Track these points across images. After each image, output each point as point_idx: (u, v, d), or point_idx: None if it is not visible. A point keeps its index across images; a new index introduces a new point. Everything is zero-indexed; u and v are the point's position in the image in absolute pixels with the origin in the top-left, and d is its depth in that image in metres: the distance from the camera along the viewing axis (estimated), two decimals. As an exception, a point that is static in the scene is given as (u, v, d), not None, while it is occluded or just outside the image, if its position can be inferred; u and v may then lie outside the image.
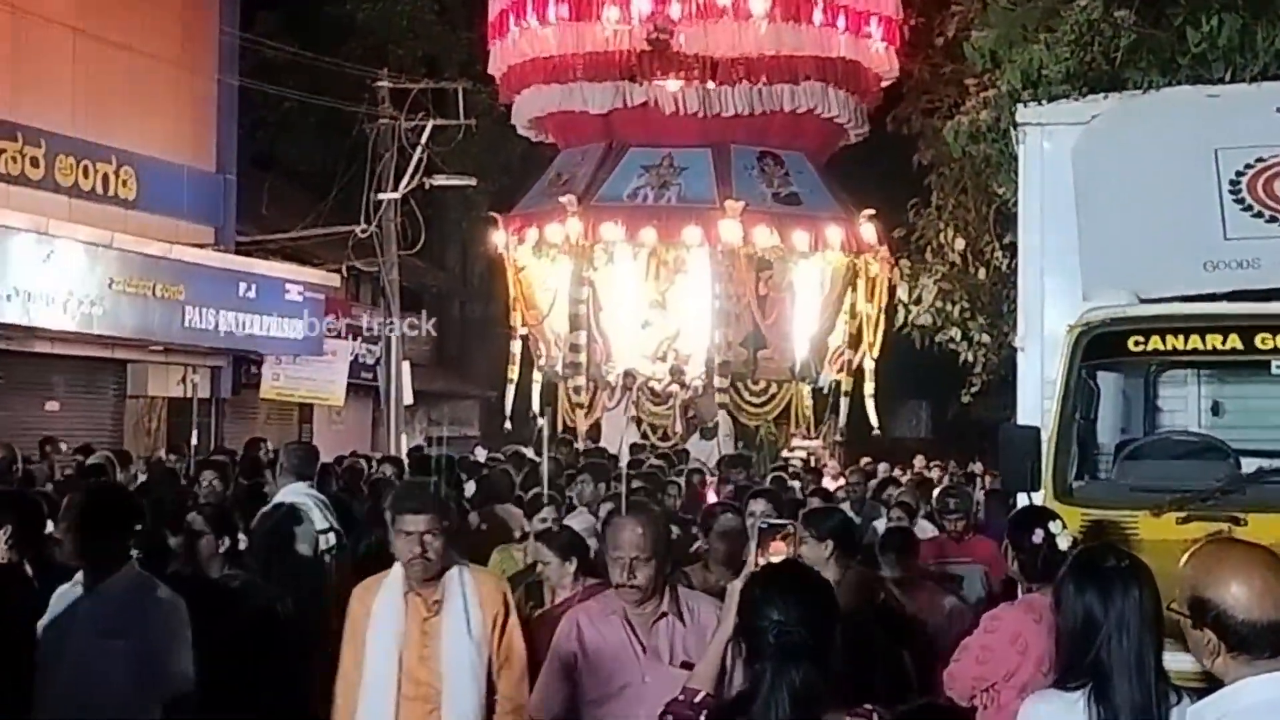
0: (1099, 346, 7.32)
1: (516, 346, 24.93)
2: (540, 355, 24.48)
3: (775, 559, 4.21)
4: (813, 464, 19.33)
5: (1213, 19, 10.84)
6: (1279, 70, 10.66)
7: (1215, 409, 8.56)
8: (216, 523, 7.08)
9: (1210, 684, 3.54)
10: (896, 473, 19.10)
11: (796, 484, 13.87)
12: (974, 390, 19.15)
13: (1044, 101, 9.98)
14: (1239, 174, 7.74)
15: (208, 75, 24.48)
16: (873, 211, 23.57)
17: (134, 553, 5.49)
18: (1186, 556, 3.60)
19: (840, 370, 24.24)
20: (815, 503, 9.73)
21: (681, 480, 13.43)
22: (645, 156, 23.62)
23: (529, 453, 16.21)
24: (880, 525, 10.42)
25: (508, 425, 24.70)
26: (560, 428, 23.25)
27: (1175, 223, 7.89)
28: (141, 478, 13.37)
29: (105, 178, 21.73)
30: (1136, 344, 7.27)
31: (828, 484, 15.54)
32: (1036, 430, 7.25)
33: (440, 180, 28.00)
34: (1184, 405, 8.60)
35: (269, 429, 25.85)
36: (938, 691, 6.05)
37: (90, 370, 22.56)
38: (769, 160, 23.70)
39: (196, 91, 24.33)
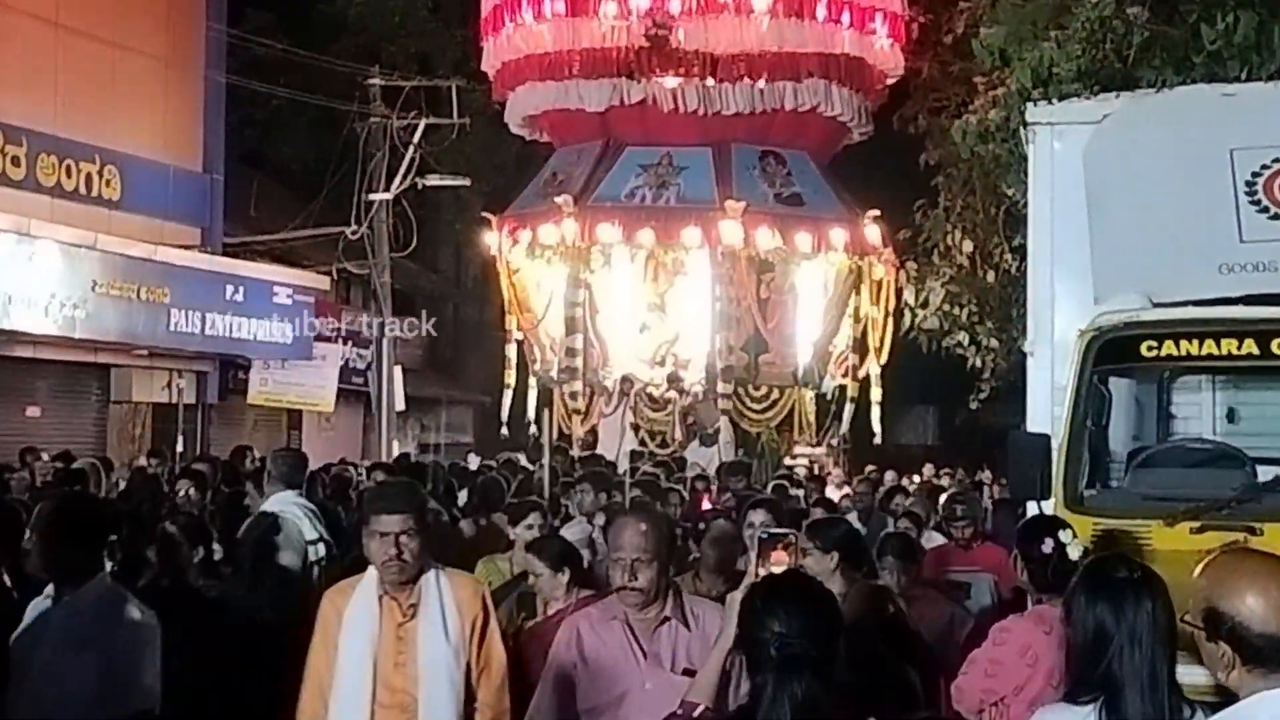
0: (1111, 351, 7.31)
1: (512, 351, 24.96)
2: (535, 360, 24.49)
3: (777, 569, 4.20)
4: (816, 472, 19.33)
5: (1228, 15, 10.84)
6: (1296, 68, 10.68)
7: (1230, 416, 8.56)
8: (191, 533, 7.05)
9: (1225, 698, 3.54)
10: (904, 481, 19.12)
11: (800, 492, 13.87)
12: (982, 396, 19.12)
13: (1054, 100, 9.98)
14: (1255, 175, 7.74)
15: (195, 72, 24.48)
16: (877, 212, 23.59)
17: (109, 564, 5.45)
18: (1201, 567, 3.59)
19: (845, 375, 24.24)
20: (819, 513, 9.71)
21: (682, 488, 13.39)
22: (643, 156, 23.64)
23: (523, 460, 16.21)
24: (888, 535, 10.39)
25: (504, 432, 24.71)
26: (556, 434, 23.26)
27: (1190, 225, 7.90)
28: (124, 484, 13.36)
29: (88, 177, 21.71)
30: (1149, 349, 7.27)
31: (832, 493, 15.53)
32: (1047, 438, 7.24)
33: (433, 180, 28.04)
34: (1198, 412, 8.60)
35: (257, 436, 25.84)
36: (944, 705, 6.05)
37: (73, 375, 22.54)
38: (771, 160, 23.72)
39: (183, 89, 24.31)
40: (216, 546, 7.20)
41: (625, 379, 23.58)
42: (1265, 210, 7.66)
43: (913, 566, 8.14)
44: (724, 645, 4.25)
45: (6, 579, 6.34)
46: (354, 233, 26.91)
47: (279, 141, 33.37)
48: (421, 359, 34.87)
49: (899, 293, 20.90)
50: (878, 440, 24.70)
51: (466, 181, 28.75)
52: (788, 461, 22.20)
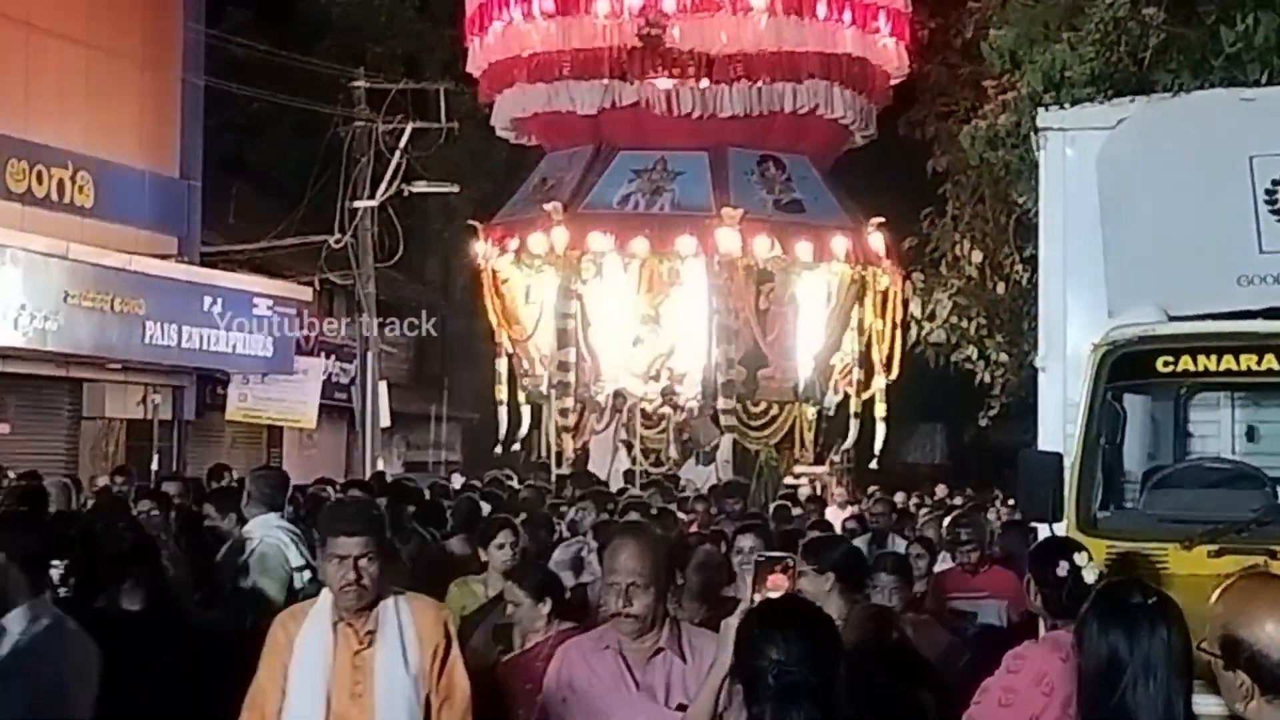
0: (1126, 367, 7.31)
1: (503, 365, 24.90)
2: (525, 374, 24.44)
3: (774, 594, 4.18)
4: (817, 491, 19.31)
5: (1248, 17, 10.86)
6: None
7: (1250, 434, 8.56)
8: (140, 553, 6.98)
9: (1243, 730, 3.52)
10: (913, 502, 19.04)
11: (801, 513, 13.83)
12: (992, 413, 19.11)
13: (1067, 105, 10.00)
14: (1275, 183, 7.75)
15: (171, 74, 24.49)
16: (882, 220, 23.57)
17: (61, 588, 5.37)
18: (1218, 592, 3.59)
19: (851, 388, 24.15)
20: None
21: (679, 509, 13.31)
22: (636, 160, 23.60)
23: (515, 480, 16.18)
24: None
25: (498, 450, 24.62)
26: (546, 452, 23.23)
27: (1207, 234, 7.90)
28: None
29: (60, 183, 21.71)
30: (1166, 364, 7.28)
31: (833, 514, 15.48)
32: (1059, 456, 7.24)
33: (420, 187, 28.06)
34: (1216, 430, 8.60)
35: (235, 453, 25.81)
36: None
37: (43, 390, 22.52)
38: (769, 164, 23.70)
39: (159, 91, 24.33)
40: (168, 565, 7.11)
41: (618, 394, 23.53)
42: (1286, 220, 7.66)
43: (907, 586, 8.08)
44: (718, 673, 4.23)
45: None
46: (337, 241, 26.91)
47: (259, 146, 33.33)
48: (408, 373, 34.84)
49: (905, 305, 20.90)
50: (878, 460, 24.58)
51: (454, 188, 28.77)
52: (789, 481, 22.17)
